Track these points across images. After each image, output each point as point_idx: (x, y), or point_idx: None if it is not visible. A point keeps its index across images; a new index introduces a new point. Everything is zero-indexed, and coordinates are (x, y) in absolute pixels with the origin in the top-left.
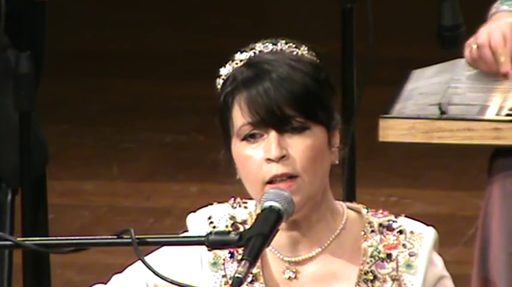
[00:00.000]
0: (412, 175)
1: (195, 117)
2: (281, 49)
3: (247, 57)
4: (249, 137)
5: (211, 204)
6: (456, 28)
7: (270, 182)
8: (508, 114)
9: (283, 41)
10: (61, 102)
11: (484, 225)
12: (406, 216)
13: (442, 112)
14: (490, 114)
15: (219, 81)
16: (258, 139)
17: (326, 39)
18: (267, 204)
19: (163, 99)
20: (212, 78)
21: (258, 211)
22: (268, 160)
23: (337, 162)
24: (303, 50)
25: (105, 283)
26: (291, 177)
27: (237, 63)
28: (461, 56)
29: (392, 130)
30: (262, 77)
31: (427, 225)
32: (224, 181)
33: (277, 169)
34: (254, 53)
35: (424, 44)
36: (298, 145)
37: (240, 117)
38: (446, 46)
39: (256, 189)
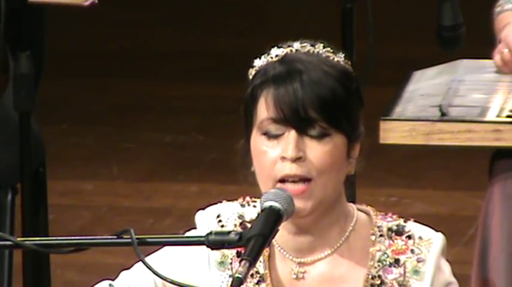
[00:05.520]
0: (412, 175)
1: (195, 117)
2: (318, 52)
3: (283, 53)
4: (269, 133)
5: (221, 202)
6: (456, 28)
7: (282, 181)
8: (508, 116)
9: (322, 45)
10: (61, 102)
11: (484, 226)
12: (415, 221)
13: (443, 114)
14: (490, 115)
15: (251, 72)
16: (278, 136)
17: (326, 39)
18: (267, 204)
19: (163, 99)
20: (212, 78)
21: None
22: (283, 158)
23: (352, 173)
24: (339, 57)
25: (113, 280)
26: (303, 180)
27: (272, 58)
28: (461, 57)
29: (393, 132)
30: (293, 76)
31: (436, 231)
32: (224, 181)
33: (290, 168)
34: (291, 50)
35: (424, 44)
36: (316, 150)
37: (264, 111)
38: (446, 46)
39: (267, 185)
